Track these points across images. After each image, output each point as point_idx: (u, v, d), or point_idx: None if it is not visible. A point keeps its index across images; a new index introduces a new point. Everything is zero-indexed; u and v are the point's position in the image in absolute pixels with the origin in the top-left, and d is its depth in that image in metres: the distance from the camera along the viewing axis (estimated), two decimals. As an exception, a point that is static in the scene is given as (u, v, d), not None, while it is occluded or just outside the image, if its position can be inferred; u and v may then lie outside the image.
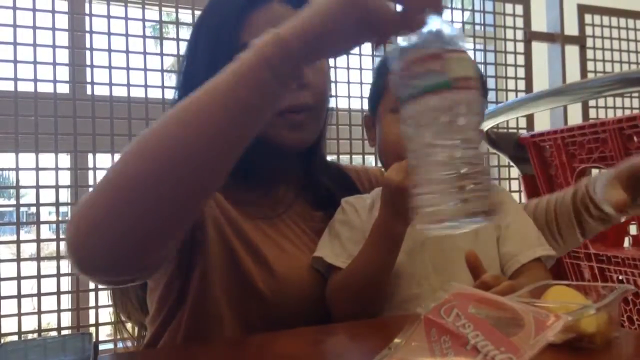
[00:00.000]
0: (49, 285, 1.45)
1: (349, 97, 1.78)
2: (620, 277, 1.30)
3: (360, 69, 1.80)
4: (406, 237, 0.86)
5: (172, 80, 1.70)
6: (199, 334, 0.86)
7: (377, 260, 0.85)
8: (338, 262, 0.89)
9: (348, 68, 1.80)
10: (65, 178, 1.51)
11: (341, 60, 1.80)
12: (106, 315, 1.50)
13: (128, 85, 1.53)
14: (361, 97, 1.80)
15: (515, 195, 1.93)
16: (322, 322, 0.83)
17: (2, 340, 1.40)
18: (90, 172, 1.50)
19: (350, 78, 1.79)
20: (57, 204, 1.49)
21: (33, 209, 1.46)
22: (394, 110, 0.91)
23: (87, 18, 1.52)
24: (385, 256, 0.85)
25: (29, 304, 1.44)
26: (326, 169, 1.07)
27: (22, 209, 1.45)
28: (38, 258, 1.43)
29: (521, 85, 2.05)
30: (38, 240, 1.44)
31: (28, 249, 1.47)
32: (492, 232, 0.93)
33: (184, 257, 0.84)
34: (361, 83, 1.81)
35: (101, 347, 1.48)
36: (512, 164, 1.66)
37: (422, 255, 0.90)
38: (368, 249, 0.86)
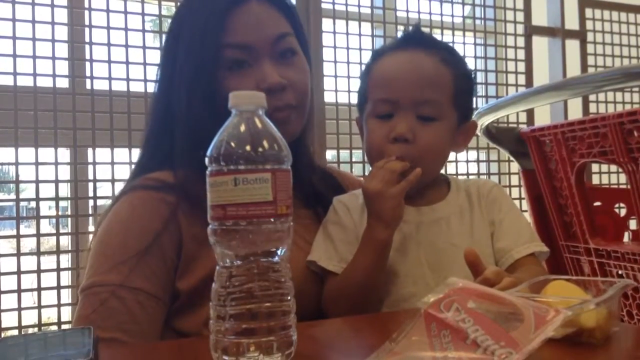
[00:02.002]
0: (49, 279, 1.45)
1: (349, 91, 1.77)
2: (620, 272, 1.30)
3: (360, 63, 1.80)
4: (400, 236, 0.88)
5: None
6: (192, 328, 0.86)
7: (367, 267, 0.86)
8: (330, 266, 0.91)
9: (348, 63, 1.79)
10: (64, 172, 1.51)
11: (340, 54, 1.80)
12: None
13: (127, 79, 1.53)
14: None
15: (515, 190, 1.93)
16: (314, 318, 0.83)
17: (3, 335, 1.40)
18: (90, 167, 1.50)
19: (351, 72, 1.79)
20: (57, 199, 1.49)
21: (33, 204, 1.46)
22: (377, 115, 0.92)
23: (86, 12, 1.52)
24: (376, 262, 0.86)
25: (29, 299, 1.44)
26: (314, 168, 1.07)
27: (22, 203, 1.45)
28: (38, 252, 1.43)
29: (521, 79, 2.05)
30: (38, 235, 1.43)
31: (28, 244, 1.47)
32: (486, 228, 0.94)
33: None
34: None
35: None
36: (512, 158, 1.66)
37: (417, 254, 0.91)
38: (359, 257, 0.88)
